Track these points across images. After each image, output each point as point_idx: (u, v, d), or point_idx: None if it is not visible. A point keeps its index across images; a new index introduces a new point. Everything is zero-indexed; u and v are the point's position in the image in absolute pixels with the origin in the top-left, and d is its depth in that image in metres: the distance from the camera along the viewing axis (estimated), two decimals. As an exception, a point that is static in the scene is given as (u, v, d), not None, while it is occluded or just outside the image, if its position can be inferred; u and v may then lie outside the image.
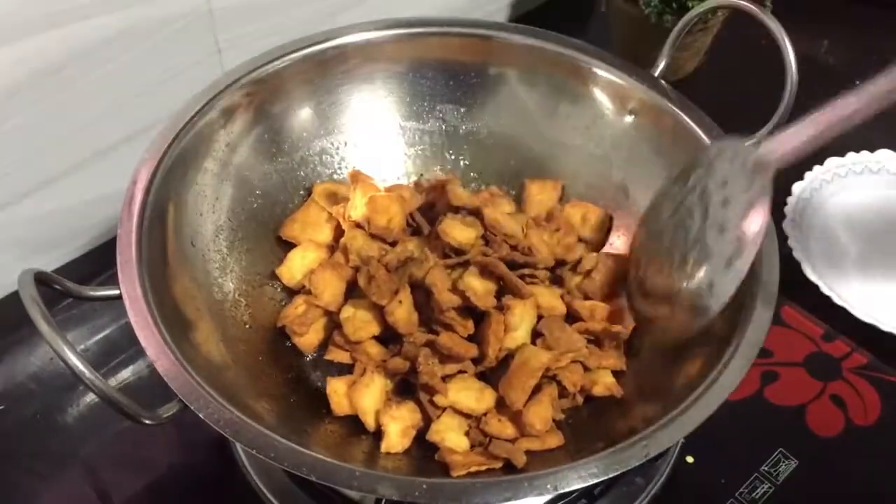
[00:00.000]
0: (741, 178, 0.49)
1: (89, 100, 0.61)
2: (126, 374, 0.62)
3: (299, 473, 0.41)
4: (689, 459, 0.57)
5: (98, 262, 0.68)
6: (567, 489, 0.42)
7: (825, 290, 0.66)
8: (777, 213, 0.70)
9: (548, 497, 0.52)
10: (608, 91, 0.61)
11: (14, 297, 0.43)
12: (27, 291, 0.43)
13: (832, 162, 0.76)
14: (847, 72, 0.88)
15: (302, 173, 0.63)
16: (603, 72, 0.61)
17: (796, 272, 0.66)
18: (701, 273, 0.50)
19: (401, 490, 0.41)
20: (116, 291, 0.47)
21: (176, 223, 0.53)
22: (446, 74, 0.64)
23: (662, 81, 0.60)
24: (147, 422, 0.43)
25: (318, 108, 0.63)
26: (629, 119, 0.61)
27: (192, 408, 0.43)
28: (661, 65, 0.60)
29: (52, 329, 0.41)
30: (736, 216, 0.48)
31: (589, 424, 0.53)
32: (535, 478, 0.42)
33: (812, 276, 0.66)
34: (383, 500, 0.47)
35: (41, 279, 0.45)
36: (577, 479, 0.41)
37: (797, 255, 0.68)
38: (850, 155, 0.76)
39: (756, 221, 0.47)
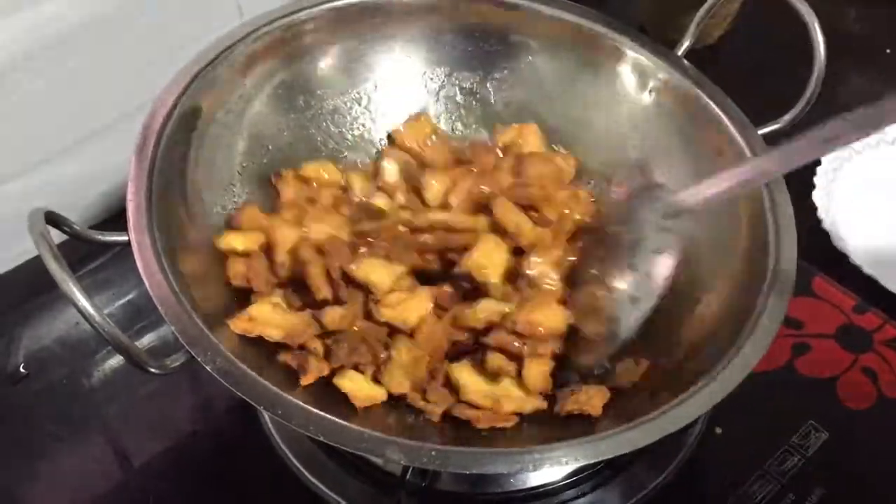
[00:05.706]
0: (654, 226, 0.47)
1: (109, 66, 0.58)
2: (150, 338, 0.59)
3: (307, 433, 0.39)
4: (718, 430, 0.55)
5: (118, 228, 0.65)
6: (577, 465, 0.40)
7: (855, 260, 0.62)
8: (806, 183, 0.67)
9: (569, 468, 0.50)
10: (630, 68, 0.58)
11: (36, 262, 0.40)
12: (37, 228, 0.40)
13: (863, 132, 0.72)
14: (874, 41, 0.84)
15: (312, 130, 0.59)
16: (626, 48, 0.58)
17: (826, 243, 0.63)
18: (629, 281, 0.47)
19: (409, 455, 0.38)
20: (125, 237, 0.44)
21: (186, 172, 0.50)
22: (466, 40, 0.61)
23: (685, 61, 0.57)
24: (153, 370, 0.40)
25: (334, 66, 0.59)
26: (649, 98, 0.58)
27: (197, 358, 0.40)
28: (686, 44, 0.58)
29: (60, 267, 0.38)
30: (643, 261, 0.46)
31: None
32: (545, 450, 0.40)
33: (842, 247, 0.63)
34: (410, 469, 0.45)
35: (51, 219, 0.42)
36: (593, 454, 0.39)
37: (827, 226, 0.64)
38: (881, 125, 0.72)
39: (664, 266, 0.46)
